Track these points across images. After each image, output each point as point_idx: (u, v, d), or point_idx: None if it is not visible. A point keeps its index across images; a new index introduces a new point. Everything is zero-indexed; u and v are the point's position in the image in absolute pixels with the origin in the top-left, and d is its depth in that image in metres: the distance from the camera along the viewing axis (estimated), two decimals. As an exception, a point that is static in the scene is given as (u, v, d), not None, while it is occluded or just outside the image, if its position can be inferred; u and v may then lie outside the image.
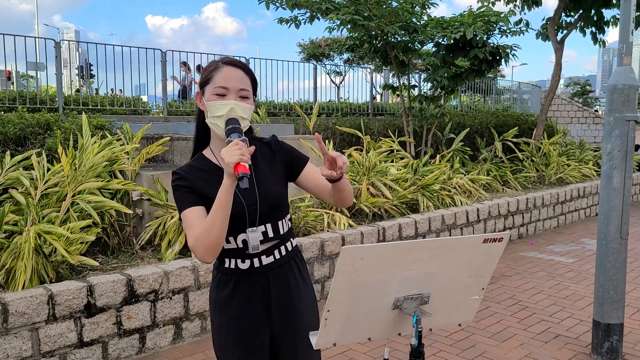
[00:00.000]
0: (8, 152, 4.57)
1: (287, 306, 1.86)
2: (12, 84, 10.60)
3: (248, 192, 1.75)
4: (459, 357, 3.77)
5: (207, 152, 1.85)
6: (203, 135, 1.87)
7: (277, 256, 1.84)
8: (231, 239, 1.78)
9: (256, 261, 1.80)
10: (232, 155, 1.52)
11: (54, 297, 3.33)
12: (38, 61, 8.90)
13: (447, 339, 4.05)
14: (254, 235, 1.77)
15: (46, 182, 4.29)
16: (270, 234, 1.81)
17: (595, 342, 3.75)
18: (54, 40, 8.48)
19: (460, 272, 1.39)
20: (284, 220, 1.86)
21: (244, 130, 1.71)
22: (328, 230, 5.13)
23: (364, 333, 1.44)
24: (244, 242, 1.78)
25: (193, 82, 12.66)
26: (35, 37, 8.80)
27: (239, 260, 1.80)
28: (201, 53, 9.64)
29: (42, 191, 4.24)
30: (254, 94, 1.80)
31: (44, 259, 3.66)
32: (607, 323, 3.66)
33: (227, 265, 1.82)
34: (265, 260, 1.81)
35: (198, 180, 1.75)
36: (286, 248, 1.87)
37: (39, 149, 4.77)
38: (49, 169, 4.44)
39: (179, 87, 13.11)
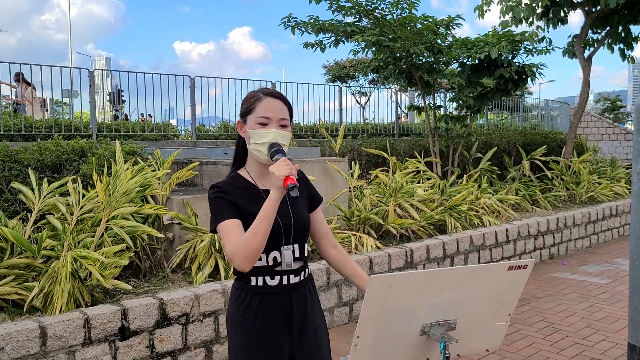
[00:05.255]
0: (45, 179, 4.73)
1: (305, 325, 1.97)
2: (47, 110, 10.85)
3: (283, 212, 1.89)
4: (490, 381, 3.73)
5: (242, 172, 2.00)
6: (240, 157, 2.03)
7: (302, 277, 1.97)
8: (263, 255, 1.88)
9: (285, 279, 1.92)
10: (282, 169, 1.71)
11: (89, 320, 3.42)
12: (72, 89, 9.21)
13: (478, 362, 4.01)
14: (288, 253, 1.90)
15: (81, 207, 4.43)
16: (297, 254, 1.94)
17: (631, 366, 3.65)
18: (88, 70, 8.78)
19: (486, 298, 1.41)
20: (306, 244, 2.00)
21: None
22: (355, 252, 5.14)
23: (393, 358, 1.46)
24: (274, 259, 1.90)
25: (30, 97, 10.79)
26: (70, 67, 9.12)
27: (267, 278, 1.91)
28: (228, 78, 9.84)
29: (77, 217, 4.38)
30: (290, 120, 1.97)
31: (80, 283, 3.77)
32: (643, 346, 3.57)
33: (253, 283, 1.92)
34: (293, 279, 1.93)
35: (236, 195, 1.89)
36: (307, 271, 2.02)
37: (74, 176, 4.92)
38: (84, 195, 4.59)
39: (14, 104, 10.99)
